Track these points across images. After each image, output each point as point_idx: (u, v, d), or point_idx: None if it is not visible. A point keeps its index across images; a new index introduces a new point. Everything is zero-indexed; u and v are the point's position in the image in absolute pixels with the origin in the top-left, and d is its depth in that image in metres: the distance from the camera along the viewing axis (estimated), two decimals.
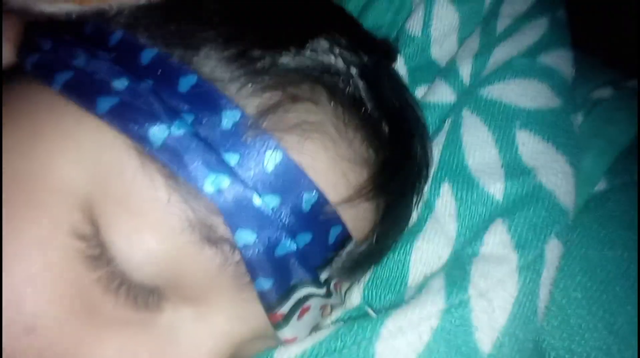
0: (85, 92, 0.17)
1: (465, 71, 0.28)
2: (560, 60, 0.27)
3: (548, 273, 0.20)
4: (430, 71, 0.31)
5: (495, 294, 0.19)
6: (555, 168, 0.23)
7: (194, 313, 0.18)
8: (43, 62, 0.18)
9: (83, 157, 0.17)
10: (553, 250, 0.20)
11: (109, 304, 0.17)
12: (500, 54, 0.27)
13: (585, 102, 0.29)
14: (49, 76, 0.17)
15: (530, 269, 0.20)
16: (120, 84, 0.17)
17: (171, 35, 0.18)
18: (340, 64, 0.19)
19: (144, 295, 0.17)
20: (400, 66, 0.31)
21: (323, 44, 0.19)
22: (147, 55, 0.17)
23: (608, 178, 0.26)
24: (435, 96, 0.28)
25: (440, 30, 0.30)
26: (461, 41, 0.31)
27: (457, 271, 0.20)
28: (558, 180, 0.22)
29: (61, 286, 0.16)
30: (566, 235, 0.22)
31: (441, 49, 0.31)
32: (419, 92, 0.30)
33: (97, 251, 0.16)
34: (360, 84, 0.20)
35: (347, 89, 0.19)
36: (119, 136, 0.17)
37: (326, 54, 0.19)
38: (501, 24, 0.29)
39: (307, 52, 0.19)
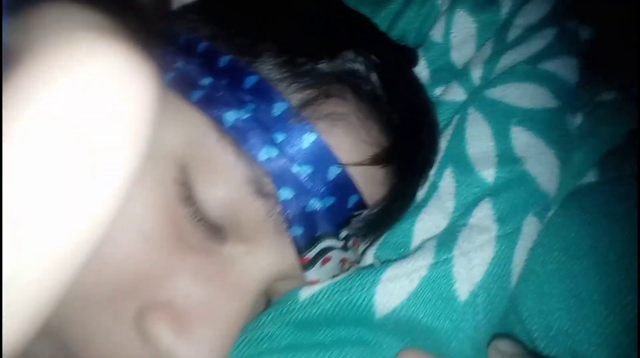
0: (182, 86, 0.24)
1: (476, 74, 0.32)
2: (562, 66, 0.31)
3: (523, 244, 0.25)
4: (450, 73, 0.35)
5: (475, 255, 0.24)
6: (541, 159, 0.27)
7: (246, 248, 0.24)
8: (157, 66, 0.25)
9: (180, 131, 0.23)
10: (530, 225, 0.25)
11: (192, 233, 0.23)
12: (507, 60, 0.31)
13: (589, 103, 0.32)
14: (161, 75, 0.24)
15: (507, 238, 0.24)
16: (206, 81, 0.24)
17: (241, 45, 0.25)
18: (362, 69, 0.25)
19: (215, 230, 0.23)
20: (423, 68, 0.36)
21: (350, 54, 0.25)
22: (224, 60, 0.24)
23: (599, 172, 0.29)
24: (449, 95, 0.33)
25: (458, 37, 0.35)
26: (479, 47, 0.35)
27: (448, 236, 0.25)
28: (542, 169, 0.26)
29: (166, 214, 0.23)
30: (546, 215, 0.26)
31: (460, 54, 0.35)
32: (439, 91, 0.35)
33: (187, 194, 0.23)
34: (378, 84, 0.25)
35: (367, 88, 0.25)
36: (204, 117, 0.23)
37: (352, 62, 0.25)
38: (512, 33, 0.33)
39: (338, 61, 0.25)
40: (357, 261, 0.28)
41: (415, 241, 0.27)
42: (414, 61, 0.33)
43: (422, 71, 0.36)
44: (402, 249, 0.27)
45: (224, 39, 0.25)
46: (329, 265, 0.26)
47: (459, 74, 0.34)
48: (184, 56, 0.25)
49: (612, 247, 0.24)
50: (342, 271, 0.28)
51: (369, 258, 0.29)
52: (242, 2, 0.27)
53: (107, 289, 0.22)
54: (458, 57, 0.35)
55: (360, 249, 0.28)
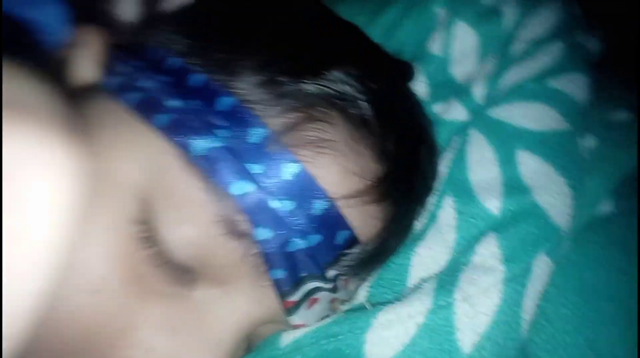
0: (146, 110, 0.21)
1: (478, 92, 0.30)
2: (572, 84, 0.28)
3: (533, 287, 0.22)
4: (450, 89, 0.32)
5: (479, 300, 0.21)
6: (552, 188, 0.24)
7: (220, 292, 0.21)
8: (119, 85, 0.22)
9: (142, 161, 0.21)
10: (541, 265, 0.22)
11: (154, 278, 0.20)
12: (512, 76, 0.29)
13: (601, 123, 0.30)
14: (121, 95, 0.22)
15: (515, 281, 0.21)
16: (174, 102, 0.21)
17: (214, 62, 0.22)
18: (351, 90, 0.22)
19: (182, 273, 0.21)
20: (422, 83, 0.33)
21: (337, 73, 0.22)
22: (195, 78, 0.21)
23: (615, 200, 0.27)
24: (450, 113, 0.30)
25: (459, 51, 0.32)
26: (481, 61, 0.32)
27: (448, 276, 0.22)
28: (553, 200, 0.24)
29: (121, 259, 0.20)
30: (559, 252, 0.23)
31: (461, 68, 0.32)
32: (439, 107, 0.32)
33: (148, 234, 0.20)
34: (368, 107, 0.22)
35: (357, 111, 0.22)
36: (170, 145, 0.20)
37: (340, 81, 0.22)
38: (517, 47, 0.30)
39: (324, 81, 0.22)
40: (350, 299, 0.26)
41: (412, 278, 0.24)
42: (410, 76, 0.31)
43: (420, 86, 0.33)
44: (398, 287, 0.24)
45: (197, 55, 0.22)
46: (317, 306, 0.23)
47: (460, 91, 0.31)
48: (150, 73, 0.22)
49: (632, 293, 0.22)
50: (333, 311, 0.25)
51: (362, 295, 0.26)
52: (218, 13, 0.24)
53: (61, 349, 0.19)
54: (459, 71, 0.32)
55: (353, 287, 0.25)
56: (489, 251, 0.23)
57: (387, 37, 0.36)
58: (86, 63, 0.24)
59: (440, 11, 0.34)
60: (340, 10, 0.39)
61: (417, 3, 0.36)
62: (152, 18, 0.28)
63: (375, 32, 0.37)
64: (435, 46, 0.33)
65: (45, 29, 0.23)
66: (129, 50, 0.24)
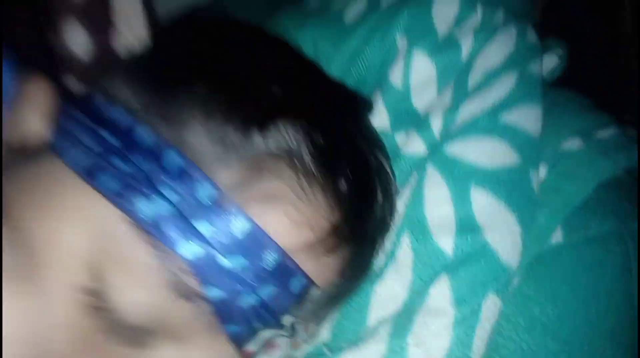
0: (91, 172, 0.21)
1: (436, 125, 0.30)
2: (525, 116, 0.29)
3: (483, 327, 0.23)
4: (411, 119, 0.33)
5: (430, 345, 0.22)
6: (502, 227, 0.25)
7: (177, 349, 0.22)
8: (61, 142, 0.22)
9: (87, 226, 0.21)
10: (489, 306, 0.23)
11: (109, 342, 0.21)
12: (467, 110, 0.29)
13: (554, 153, 0.31)
14: (64, 155, 0.22)
15: (464, 324, 0.22)
16: (119, 163, 0.21)
17: (162, 116, 0.22)
18: (296, 141, 0.22)
19: (136, 335, 0.21)
20: (382, 112, 0.34)
21: (282, 125, 0.22)
22: (140, 132, 0.21)
23: (565, 232, 0.28)
24: (409, 147, 0.31)
25: (418, 81, 0.33)
26: (441, 90, 0.33)
27: (403, 320, 0.23)
28: (503, 240, 0.25)
29: (76, 329, 0.20)
30: (508, 289, 0.24)
31: (420, 98, 0.33)
32: (400, 138, 0.33)
33: (99, 303, 0.20)
34: (315, 156, 0.23)
35: (304, 162, 0.23)
36: (116, 209, 0.21)
37: (286, 133, 0.22)
38: (472, 79, 0.31)
39: (270, 134, 0.22)
40: (312, 338, 0.26)
41: (371, 318, 0.25)
42: (366, 111, 0.31)
43: (382, 115, 0.34)
44: (359, 327, 0.25)
45: (144, 109, 0.22)
46: (276, 351, 0.24)
47: (419, 123, 0.32)
48: (97, 129, 0.22)
49: (575, 331, 0.23)
50: (295, 348, 0.26)
51: (325, 333, 0.27)
52: (165, 63, 0.24)
53: None
54: (419, 102, 0.33)
55: (313, 328, 0.26)
56: (441, 294, 0.23)
57: (350, 63, 0.37)
58: (33, 118, 0.24)
59: (400, 39, 0.35)
60: (304, 34, 0.40)
61: (378, 29, 0.36)
62: (103, 61, 0.28)
63: (339, 59, 0.37)
64: (395, 76, 0.34)
65: None
66: (76, 102, 0.24)
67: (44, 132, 0.24)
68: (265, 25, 0.42)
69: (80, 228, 0.21)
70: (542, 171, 0.29)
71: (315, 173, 0.23)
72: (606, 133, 0.31)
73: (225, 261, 0.20)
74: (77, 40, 0.28)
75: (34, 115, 0.24)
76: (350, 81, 0.36)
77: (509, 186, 0.26)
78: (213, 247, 0.20)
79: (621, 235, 0.26)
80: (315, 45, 0.38)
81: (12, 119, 0.24)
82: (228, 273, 0.21)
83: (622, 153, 0.29)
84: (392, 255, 0.26)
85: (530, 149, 0.28)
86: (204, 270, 0.20)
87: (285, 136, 0.22)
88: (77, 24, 0.27)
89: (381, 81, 0.35)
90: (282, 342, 0.23)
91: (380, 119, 0.33)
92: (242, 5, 0.59)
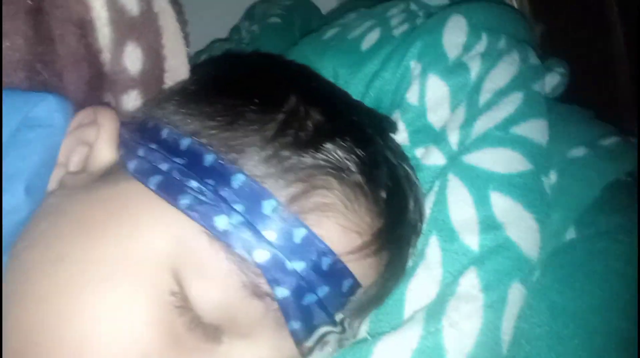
0: (170, 191, 0.24)
1: (453, 139, 0.34)
2: (533, 129, 0.32)
3: (510, 312, 0.25)
4: (428, 135, 0.36)
5: (463, 325, 0.24)
6: (521, 224, 0.28)
7: (245, 344, 0.24)
8: (140, 167, 0.25)
9: (169, 237, 0.24)
10: (515, 293, 0.26)
11: (189, 337, 0.23)
12: (481, 125, 0.33)
13: (562, 160, 0.34)
14: (145, 178, 0.25)
15: (493, 307, 0.25)
16: (192, 184, 0.24)
17: (223, 141, 0.25)
18: (342, 159, 0.26)
19: (211, 331, 0.24)
20: (402, 130, 0.37)
21: (330, 146, 0.26)
22: (209, 159, 0.25)
23: (578, 229, 0.31)
24: (430, 159, 0.34)
25: (433, 100, 0.36)
26: (453, 108, 0.37)
27: (437, 306, 0.26)
28: (523, 234, 0.27)
29: (162, 325, 0.23)
30: (531, 279, 0.27)
31: (436, 115, 0.37)
32: (419, 152, 0.36)
33: (182, 303, 0.23)
34: (359, 171, 0.26)
35: (349, 176, 0.26)
36: (193, 223, 0.24)
37: (333, 152, 0.26)
38: (483, 98, 0.34)
39: (320, 153, 0.26)
40: (355, 336, 0.29)
41: (407, 310, 0.28)
42: (392, 129, 0.35)
43: (401, 132, 0.37)
44: (396, 321, 0.28)
45: (206, 135, 0.25)
46: (327, 347, 0.26)
47: (437, 137, 0.35)
48: (165, 153, 0.25)
49: (592, 310, 0.25)
50: (341, 347, 0.28)
51: (363, 331, 0.29)
52: (220, 93, 0.28)
53: None
54: (434, 119, 0.36)
55: (357, 325, 0.28)
56: (470, 282, 0.26)
57: (368, 86, 0.41)
58: (103, 145, 0.27)
59: (414, 65, 0.39)
60: (324, 63, 0.44)
61: (393, 58, 0.40)
62: (156, 86, 0.32)
63: (357, 83, 0.41)
64: (411, 96, 0.37)
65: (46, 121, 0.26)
66: (140, 130, 0.27)
67: (114, 156, 0.27)
68: (285, 55, 0.46)
69: (163, 239, 0.24)
70: (553, 176, 0.32)
71: (360, 187, 0.26)
72: (608, 141, 0.35)
73: (289, 264, 0.24)
74: (132, 58, 0.31)
75: (104, 141, 0.27)
76: (368, 103, 0.39)
77: (524, 189, 0.30)
78: (278, 252, 0.23)
79: (628, 228, 0.29)
80: (335, 71, 0.42)
81: (90, 149, 0.27)
82: (292, 274, 0.24)
83: (624, 158, 0.32)
84: (422, 254, 0.29)
85: (540, 157, 0.31)
86: (272, 271, 0.23)
87: (333, 154, 0.26)
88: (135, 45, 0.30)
89: (398, 102, 0.39)
90: (333, 338, 0.26)
91: (400, 135, 0.37)
92: (259, 37, 0.64)
